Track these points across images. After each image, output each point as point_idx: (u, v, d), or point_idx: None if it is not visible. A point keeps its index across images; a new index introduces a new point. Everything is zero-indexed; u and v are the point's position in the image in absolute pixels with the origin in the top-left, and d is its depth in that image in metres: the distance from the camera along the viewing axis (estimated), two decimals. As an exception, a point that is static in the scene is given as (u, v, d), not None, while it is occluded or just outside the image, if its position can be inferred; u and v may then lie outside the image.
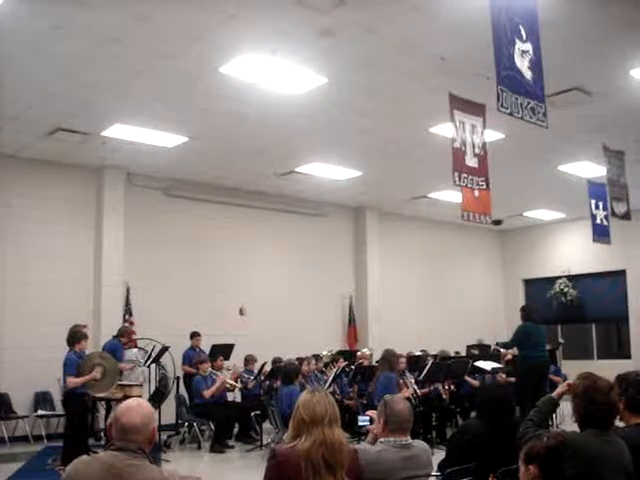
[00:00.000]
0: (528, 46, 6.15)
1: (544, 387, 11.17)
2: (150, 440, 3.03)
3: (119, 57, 8.18)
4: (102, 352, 9.89)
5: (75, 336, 9.11)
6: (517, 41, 6.03)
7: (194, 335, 12.51)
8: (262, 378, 11.79)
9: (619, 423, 3.94)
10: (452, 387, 11.91)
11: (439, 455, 4.82)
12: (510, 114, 5.97)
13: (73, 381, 8.84)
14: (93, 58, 8.19)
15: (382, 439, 3.98)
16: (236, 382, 11.84)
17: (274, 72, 8.56)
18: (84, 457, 3.04)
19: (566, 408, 7.05)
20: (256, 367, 12.13)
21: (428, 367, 11.21)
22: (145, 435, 2.99)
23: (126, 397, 9.11)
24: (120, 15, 7.18)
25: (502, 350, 13.31)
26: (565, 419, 11.82)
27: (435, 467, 4.42)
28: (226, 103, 9.67)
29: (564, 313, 18.80)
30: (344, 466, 3.47)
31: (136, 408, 3.03)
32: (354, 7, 7.03)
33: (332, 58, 8.29)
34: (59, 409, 10.88)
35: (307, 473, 3.38)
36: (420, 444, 4.13)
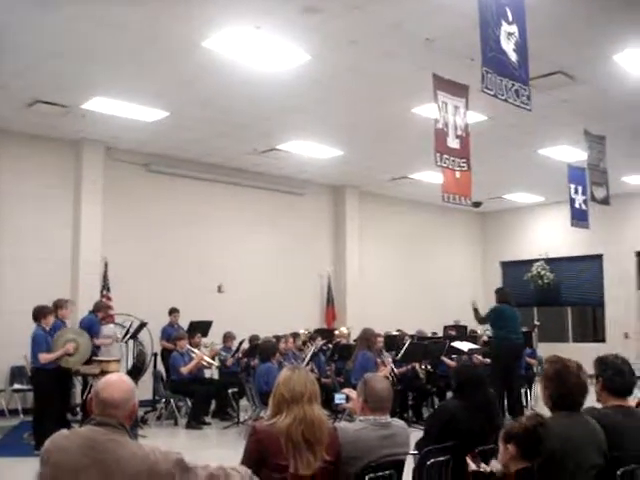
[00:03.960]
0: (514, 28, 6.15)
1: (518, 369, 11.29)
2: (130, 415, 3.03)
3: (101, 30, 8.06)
4: (75, 328, 9.81)
5: (41, 311, 9.03)
6: (503, 23, 6.02)
7: (172, 311, 12.49)
8: (240, 355, 11.79)
9: (597, 405, 3.99)
10: (429, 367, 11.98)
11: (415, 434, 4.85)
12: (494, 96, 5.98)
13: (46, 357, 8.76)
14: (74, 31, 8.07)
15: (361, 418, 3.99)
16: (213, 360, 11.83)
17: (257, 48, 8.49)
18: (64, 431, 3.02)
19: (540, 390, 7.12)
20: (234, 344, 12.13)
21: (406, 347, 11.27)
22: (126, 410, 2.98)
23: (103, 372, 9.08)
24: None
25: (479, 331, 13.43)
26: (539, 401, 11.95)
27: (412, 446, 4.46)
28: (208, 78, 9.59)
29: (541, 296, 18.98)
30: (324, 443, 3.50)
31: (117, 383, 3.02)
32: (340, -16, 6.98)
33: (316, 35, 8.23)
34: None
35: (287, 450, 3.40)
36: (399, 423, 4.15)
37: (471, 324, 14.46)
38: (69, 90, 10.11)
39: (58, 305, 9.54)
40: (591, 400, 3.91)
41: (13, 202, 11.90)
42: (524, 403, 11.65)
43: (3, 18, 7.73)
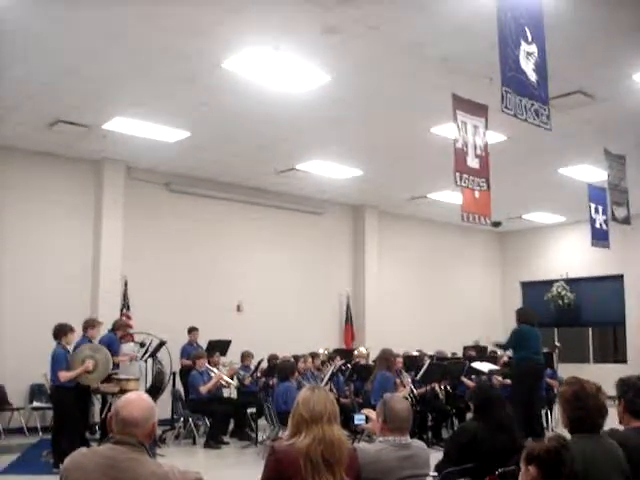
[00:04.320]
0: (533, 48, 6.14)
1: (540, 390, 11.17)
2: (150, 434, 3.02)
3: (121, 51, 8.17)
4: (93, 344, 9.84)
5: (61, 329, 9.08)
6: (523, 43, 6.02)
7: (192, 330, 12.49)
8: (258, 375, 11.77)
9: (619, 426, 3.95)
10: (448, 388, 11.90)
11: (435, 455, 4.81)
12: (514, 115, 5.96)
13: (65, 375, 8.80)
14: (95, 51, 8.18)
15: (381, 438, 3.96)
16: (232, 379, 11.81)
17: (277, 69, 8.54)
18: (83, 449, 3.03)
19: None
20: (253, 363, 12.11)
21: (425, 367, 11.20)
22: (145, 429, 2.97)
23: (122, 391, 9.10)
24: (123, 10, 7.16)
25: (499, 352, 13.30)
26: (560, 423, 11.81)
27: (432, 468, 4.42)
28: (228, 99, 9.65)
29: (561, 316, 18.79)
30: (343, 464, 3.46)
31: (137, 401, 3.01)
32: (358, 5, 7.03)
33: (335, 56, 8.28)
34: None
35: (306, 471, 3.36)
36: (418, 444, 4.12)
37: (491, 344, 14.37)
38: (90, 110, 10.21)
39: (90, 324, 9.60)
40: (612, 421, 3.86)
41: (34, 220, 12.01)
42: (545, 425, 11.53)
43: (22, 40, 7.85)
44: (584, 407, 3.62)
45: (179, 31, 7.68)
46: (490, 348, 12.46)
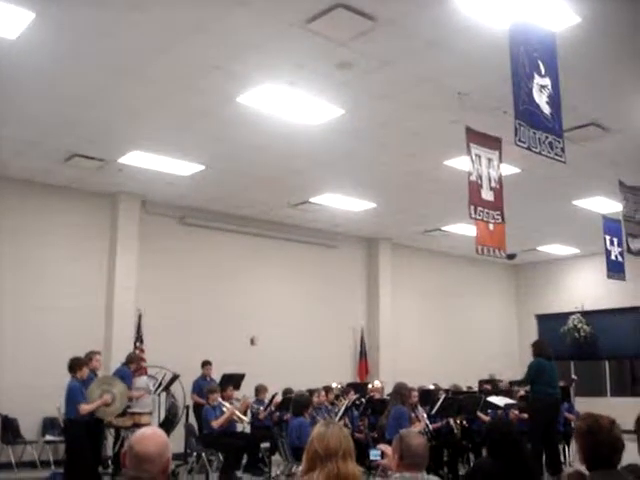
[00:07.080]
0: (547, 81, 6.16)
1: (557, 424, 11.02)
2: (164, 470, 2.97)
3: (137, 85, 8.26)
4: (108, 377, 9.81)
5: (77, 363, 9.09)
6: (536, 76, 6.04)
7: (205, 364, 12.43)
8: (272, 409, 11.67)
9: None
10: (464, 422, 11.75)
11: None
12: (528, 148, 5.96)
13: (85, 408, 8.78)
14: (111, 86, 8.27)
15: (397, 474, 3.91)
16: (245, 415, 11.68)
17: (291, 103, 8.62)
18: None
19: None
20: (267, 397, 12.02)
21: (440, 402, 11.08)
22: (159, 465, 2.93)
23: (135, 425, 9.08)
24: (140, 44, 7.26)
25: (516, 387, 13.17)
26: (577, 457, 11.63)
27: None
28: (243, 133, 9.72)
29: (577, 349, 18.60)
30: (359, 501, 3.42)
31: (151, 436, 2.98)
32: (372, 40, 7.09)
33: (349, 90, 8.34)
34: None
35: (321, 507, 3.32)
36: (435, 480, 4.07)
37: (506, 378, 14.23)
38: (106, 144, 10.31)
39: (89, 357, 9.61)
40: (632, 457, 3.80)
41: (50, 254, 12.08)
42: (563, 460, 11.35)
43: (38, 74, 7.95)
44: (598, 442, 3.56)
45: (195, 66, 7.76)
46: (507, 386, 12.33)
